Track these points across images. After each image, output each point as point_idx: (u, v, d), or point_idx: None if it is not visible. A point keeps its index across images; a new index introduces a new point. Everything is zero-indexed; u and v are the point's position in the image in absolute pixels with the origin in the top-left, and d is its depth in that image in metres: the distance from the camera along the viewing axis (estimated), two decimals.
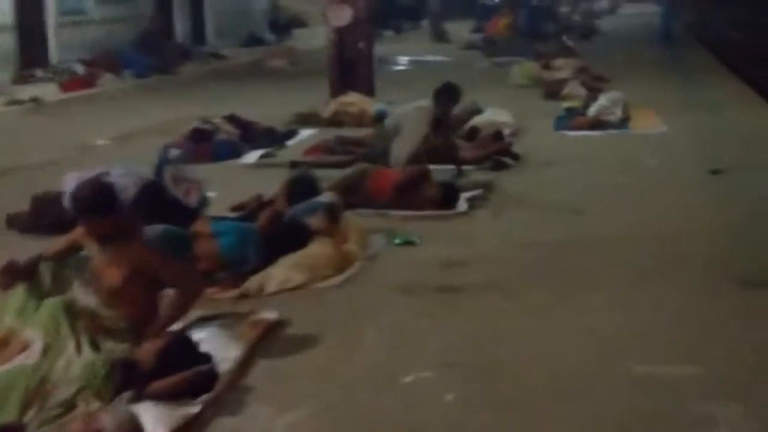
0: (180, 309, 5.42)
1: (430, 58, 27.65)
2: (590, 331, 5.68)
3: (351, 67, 14.64)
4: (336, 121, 13.73)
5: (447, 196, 8.64)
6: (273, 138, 12.45)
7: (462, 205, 8.67)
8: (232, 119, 12.39)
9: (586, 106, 14.15)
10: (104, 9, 22.60)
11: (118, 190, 7.48)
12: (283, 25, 32.16)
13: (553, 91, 16.67)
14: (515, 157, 10.85)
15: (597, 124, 13.12)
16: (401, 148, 9.86)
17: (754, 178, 9.76)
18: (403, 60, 26.98)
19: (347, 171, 8.99)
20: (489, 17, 34.88)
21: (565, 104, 14.93)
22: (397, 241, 7.57)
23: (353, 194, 8.57)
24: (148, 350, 4.97)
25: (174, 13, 25.74)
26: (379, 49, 30.51)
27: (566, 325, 5.80)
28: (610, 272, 6.80)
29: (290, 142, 12.56)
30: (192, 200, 7.74)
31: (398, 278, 6.76)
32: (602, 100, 13.67)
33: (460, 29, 37.54)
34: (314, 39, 31.82)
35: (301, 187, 7.63)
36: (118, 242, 5.36)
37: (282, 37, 30.63)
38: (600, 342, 5.50)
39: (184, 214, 7.32)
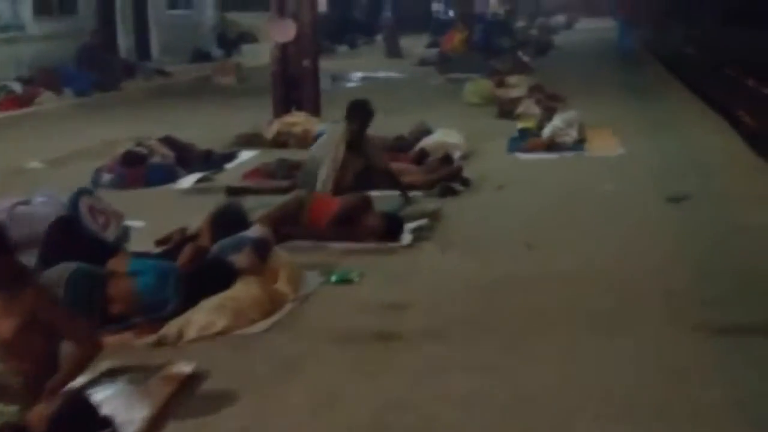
0: (76, 366, 4.79)
1: (382, 74, 27.16)
2: (541, 387, 5.09)
3: (295, 85, 14.02)
4: (279, 142, 13.14)
5: (390, 228, 8.03)
6: (211, 161, 11.85)
7: (406, 238, 8.05)
8: (167, 141, 11.76)
9: (541, 126, 13.66)
10: (43, 24, 21.80)
11: (30, 225, 6.98)
12: (232, 40, 31.44)
13: (506, 110, 16.15)
14: (465, 182, 10.29)
15: (552, 145, 12.59)
16: (323, 177, 9.24)
17: (714, 206, 9.19)
18: (356, 76, 26.47)
19: (284, 199, 8.39)
20: (444, 32, 34.49)
21: (520, 124, 14.41)
22: (334, 278, 6.97)
23: (290, 225, 7.99)
24: (39, 414, 4.37)
25: (117, 28, 24.91)
26: (332, 65, 30.12)
27: (515, 380, 5.20)
28: (562, 317, 6.19)
29: (230, 165, 11.97)
30: (110, 234, 7.10)
31: (331, 323, 6.16)
32: (557, 121, 13.16)
33: (416, 44, 37.11)
34: (264, 55, 30.99)
35: (228, 220, 7.00)
36: (9, 288, 4.72)
37: (230, 53, 29.95)
38: (553, 400, 4.92)
39: (102, 249, 6.69)
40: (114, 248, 6.82)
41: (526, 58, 29.41)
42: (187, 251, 6.42)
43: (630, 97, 19.35)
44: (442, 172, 10.30)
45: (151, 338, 5.88)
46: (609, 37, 41.09)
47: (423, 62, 30.14)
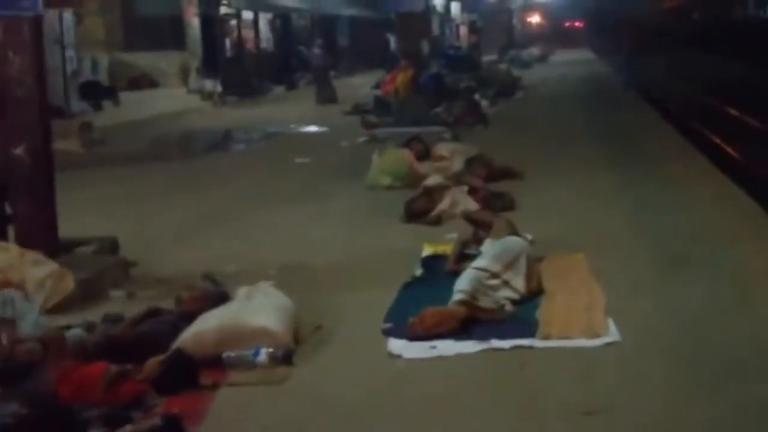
0: None
1: (294, 128, 20.89)
2: None
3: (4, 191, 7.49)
4: None
5: None
6: None
7: None
8: None
9: (460, 255, 7.30)
10: None
11: None
12: (106, 88, 24.62)
13: (417, 210, 9.70)
14: None
15: (470, 317, 6.12)
16: None
17: None
18: (256, 135, 19.96)
19: None
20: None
21: (426, 248, 7.99)
22: None
23: None
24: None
25: None
26: (243, 114, 23.97)
27: None
28: None
29: None
30: None
31: None
32: (485, 259, 6.69)
33: (367, 83, 30.73)
34: (158, 103, 25.10)
35: None
36: None
37: (100, 106, 23.16)
38: None
39: None
40: None
41: (484, 103, 23.29)
42: None
43: (620, 173, 12.67)
44: None
45: None
46: (587, 71, 35.37)
47: (356, 109, 23.90)
